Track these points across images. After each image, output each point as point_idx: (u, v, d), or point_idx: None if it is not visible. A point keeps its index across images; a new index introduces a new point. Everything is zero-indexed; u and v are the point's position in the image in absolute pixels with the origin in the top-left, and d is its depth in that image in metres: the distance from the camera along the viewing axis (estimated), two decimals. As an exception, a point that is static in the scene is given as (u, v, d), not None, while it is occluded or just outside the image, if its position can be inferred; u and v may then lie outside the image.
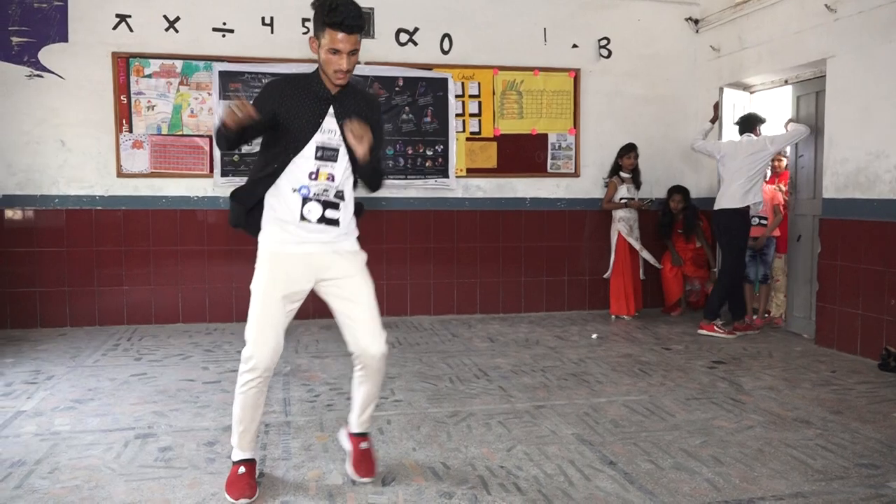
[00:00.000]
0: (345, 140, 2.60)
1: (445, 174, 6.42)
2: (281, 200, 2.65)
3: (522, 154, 6.59)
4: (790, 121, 5.77)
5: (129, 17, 5.80)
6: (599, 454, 3.12)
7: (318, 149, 2.62)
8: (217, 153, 5.96)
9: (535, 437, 3.32)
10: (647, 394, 4.06)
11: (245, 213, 2.73)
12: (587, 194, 6.74)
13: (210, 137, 5.96)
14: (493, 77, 6.46)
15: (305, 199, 2.62)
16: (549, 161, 6.66)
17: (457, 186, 6.47)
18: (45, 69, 5.67)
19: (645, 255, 6.41)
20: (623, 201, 6.36)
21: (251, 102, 2.50)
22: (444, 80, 6.36)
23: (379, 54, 6.24)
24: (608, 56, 6.75)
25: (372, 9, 6.22)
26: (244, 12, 6.00)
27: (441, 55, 6.40)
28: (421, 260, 6.44)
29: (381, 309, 6.88)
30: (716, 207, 5.79)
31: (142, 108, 5.85)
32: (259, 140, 2.72)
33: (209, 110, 5.96)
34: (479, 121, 6.44)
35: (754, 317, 6.05)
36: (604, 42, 6.73)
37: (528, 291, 6.68)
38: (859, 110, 4.95)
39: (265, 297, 2.62)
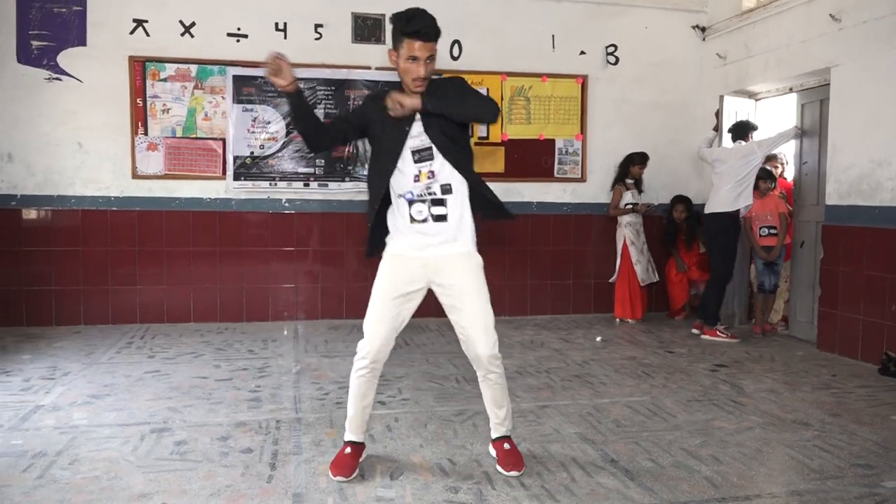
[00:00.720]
0: (433, 137, 2.76)
1: (454, 178, 6.51)
2: (393, 208, 2.87)
3: (530, 159, 6.68)
4: (796, 128, 5.87)
5: (146, 22, 5.93)
6: (601, 452, 3.21)
7: (413, 153, 2.78)
8: (230, 156, 6.08)
9: (538, 436, 3.41)
10: (650, 395, 4.14)
11: (372, 235, 2.93)
12: (594, 199, 6.82)
13: (223, 140, 6.09)
14: (502, 83, 6.56)
15: (412, 202, 2.79)
16: (556, 166, 6.75)
17: (465, 190, 6.56)
18: (63, 72, 5.81)
19: (639, 269, 6.45)
20: (629, 207, 6.44)
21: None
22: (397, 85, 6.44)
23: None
24: (615, 63, 6.84)
25: (383, 15, 6.33)
26: (258, 18, 6.13)
27: (451, 61, 6.50)
28: (429, 262, 6.53)
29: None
30: (706, 211, 5.90)
31: (157, 112, 5.98)
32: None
33: (223, 114, 6.08)
34: (487, 126, 6.53)
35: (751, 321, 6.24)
36: (611, 49, 6.82)
37: (533, 294, 6.77)
38: (863, 118, 5.02)
39: (380, 297, 2.85)
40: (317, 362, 4.86)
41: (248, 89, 6.08)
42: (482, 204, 2.90)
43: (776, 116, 6.59)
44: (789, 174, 6.48)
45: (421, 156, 2.78)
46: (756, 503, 2.72)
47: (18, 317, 5.83)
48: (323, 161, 6.27)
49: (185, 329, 5.93)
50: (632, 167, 6.49)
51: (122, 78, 5.91)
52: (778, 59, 5.91)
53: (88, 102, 5.87)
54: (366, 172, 6.27)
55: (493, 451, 3.07)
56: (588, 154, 6.80)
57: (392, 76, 6.30)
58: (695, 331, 5.89)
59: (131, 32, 5.92)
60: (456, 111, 2.76)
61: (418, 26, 2.66)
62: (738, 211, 5.73)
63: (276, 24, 6.17)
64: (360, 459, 2.96)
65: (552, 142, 6.71)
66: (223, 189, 6.15)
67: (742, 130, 5.86)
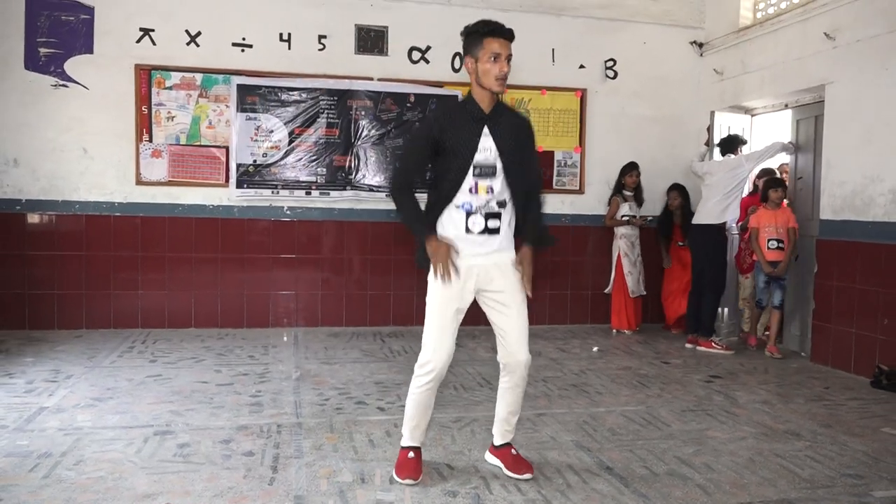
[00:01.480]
0: (500, 156, 2.85)
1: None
2: (449, 218, 2.89)
3: (529, 170, 6.75)
4: (789, 142, 5.97)
5: (153, 31, 6.02)
6: (597, 460, 3.27)
7: (474, 167, 2.82)
8: (233, 164, 6.16)
9: (535, 443, 3.47)
10: (645, 405, 4.21)
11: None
12: (591, 211, 6.90)
13: (226, 148, 6.16)
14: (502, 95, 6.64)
15: (469, 213, 2.84)
16: (555, 178, 6.84)
17: (464, 200, 6.64)
18: (70, 79, 5.89)
19: (630, 280, 6.51)
20: (625, 219, 6.52)
21: (411, 140, 2.85)
22: (455, 97, 6.53)
23: (392, 71, 6.45)
24: (614, 77, 6.95)
25: (386, 27, 6.44)
26: (263, 28, 6.22)
27: (452, 73, 6.60)
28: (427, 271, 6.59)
29: (388, 318, 7.05)
30: (694, 222, 6.03)
31: (162, 119, 6.06)
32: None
33: (226, 122, 6.16)
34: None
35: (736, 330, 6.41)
36: (610, 63, 6.93)
37: (531, 304, 6.79)
38: (856, 135, 5.12)
39: (442, 309, 2.86)
40: (317, 369, 4.92)
41: (251, 98, 6.17)
42: (527, 229, 2.99)
43: (772, 132, 6.69)
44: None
45: (482, 171, 2.83)
46: (747, 510, 2.78)
47: (21, 320, 5.89)
48: (324, 170, 6.35)
49: (185, 334, 5.98)
50: (622, 178, 6.58)
51: (128, 85, 6.00)
52: (774, 75, 6.01)
53: (94, 109, 5.95)
54: (366, 182, 6.40)
55: (493, 459, 3.14)
56: (586, 166, 6.89)
57: (403, 87, 6.41)
58: (688, 345, 5.95)
59: (138, 41, 6.01)
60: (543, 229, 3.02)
61: (496, 26, 2.79)
62: (724, 224, 5.85)
63: (281, 35, 6.26)
64: None
65: (551, 154, 6.80)
66: (226, 196, 6.22)
67: (731, 144, 5.98)
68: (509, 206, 2.92)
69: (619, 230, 6.55)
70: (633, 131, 6.99)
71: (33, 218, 5.92)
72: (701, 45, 7.03)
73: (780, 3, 6.13)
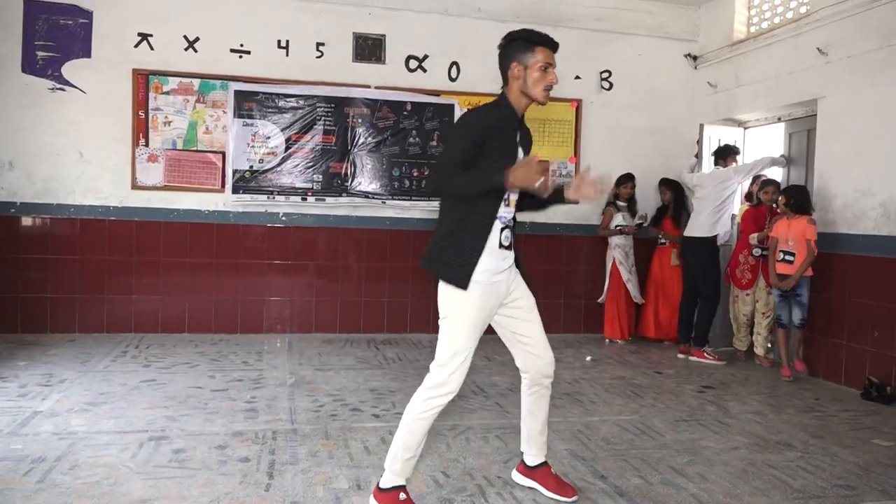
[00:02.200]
0: None
1: (449, 197, 6.62)
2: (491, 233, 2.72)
3: (524, 180, 6.78)
4: (781, 156, 6.04)
5: (151, 35, 6.03)
6: (591, 468, 3.29)
7: None
8: (230, 170, 6.16)
9: (530, 451, 3.48)
10: (638, 414, 4.23)
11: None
12: (585, 220, 6.94)
13: (223, 154, 6.17)
14: (498, 105, 6.68)
15: (504, 227, 2.74)
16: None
17: (459, 209, 6.66)
18: (67, 83, 5.89)
19: (630, 286, 6.57)
20: (618, 228, 6.56)
21: (458, 137, 2.64)
22: (451, 106, 6.59)
23: (389, 79, 6.48)
24: (609, 88, 7.01)
25: (384, 35, 6.47)
26: (261, 35, 6.25)
27: (449, 82, 6.64)
28: (422, 279, 6.61)
29: (381, 326, 7.06)
30: (686, 234, 6.11)
31: (158, 124, 6.07)
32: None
33: (223, 128, 6.17)
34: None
35: (761, 355, 5.87)
36: (605, 75, 6.98)
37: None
38: (848, 149, 5.18)
39: (474, 328, 2.68)
40: (311, 375, 4.92)
41: (248, 104, 6.18)
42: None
43: (765, 145, 6.76)
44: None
45: None
46: (740, 520, 2.81)
47: (13, 323, 5.86)
48: (321, 177, 6.36)
49: (179, 339, 5.97)
50: (616, 188, 6.62)
51: (126, 90, 6.00)
52: (767, 89, 6.08)
53: (91, 113, 5.95)
54: (362, 189, 6.41)
55: (527, 481, 2.99)
56: (581, 176, 6.92)
57: (400, 96, 6.44)
58: (681, 355, 5.98)
59: (136, 46, 6.02)
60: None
61: (546, 36, 2.72)
62: (716, 236, 5.91)
63: (279, 42, 6.28)
64: None
65: (546, 164, 6.85)
66: (222, 202, 6.23)
67: (723, 154, 6.04)
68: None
69: (613, 240, 6.59)
70: (628, 142, 7.05)
71: (28, 221, 5.91)
72: (695, 58, 7.10)
73: (774, 17, 6.21)
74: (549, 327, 7.20)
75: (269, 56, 6.26)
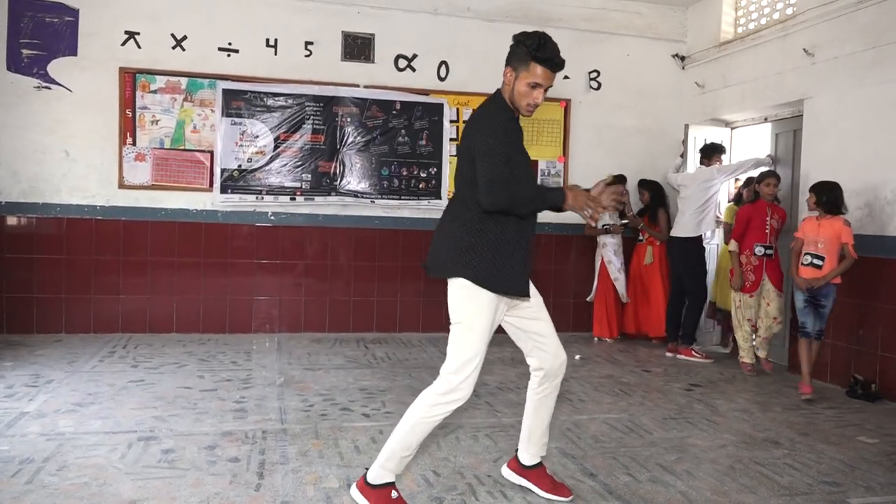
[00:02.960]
0: None
1: (438, 196, 6.64)
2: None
3: (513, 179, 6.79)
4: (768, 156, 6.09)
5: (138, 34, 6.00)
6: (581, 466, 3.31)
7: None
8: (218, 169, 6.14)
9: (520, 450, 3.50)
10: (627, 412, 4.26)
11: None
12: (574, 220, 6.94)
13: (211, 153, 6.14)
14: (487, 104, 6.69)
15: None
16: (539, 187, 6.88)
17: (449, 208, 6.67)
18: (53, 81, 5.84)
19: (618, 286, 6.61)
20: (605, 227, 6.59)
21: (497, 143, 2.57)
22: (440, 106, 6.60)
23: (378, 79, 6.48)
24: (598, 88, 7.04)
25: (373, 35, 6.47)
26: (249, 33, 6.22)
27: (438, 81, 6.64)
28: (411, 278, 6.62)
29: (371, 325, 7.04)
30: (671, 234, 6.16)
31: (146, 123, 6.03)
32: None
33: (211, 127, 6.14)
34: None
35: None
36: (594, 74, 7.01)
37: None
38: (833, 149, 5.23)
39: (485, 333, 2.67)
40: (300, 374, 4.91)
41: (237, 103, 6.16)
42: None
43: (751, 145, 6.81)
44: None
45: None
46: (728, 517, 2.84)
47: (-1, 324, 5.82)
48: (309, 175, 6.35)
49: (167, 339, 5.94)
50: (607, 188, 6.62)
51: (112, 88, 5.96)
52: (754, 89, 6.13)
53: (77, 112, 5.90)
54: (351, 188, 6.41)
55: (520, 479, 2.98)
56: (570, 176, 6.96)
57: (389, 95, 6.43)
58: (669, 354, 6.02)
59: (123, 44, 5.98)
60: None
61: (551, 54, 2.59)
62: (700, 236, 5.94)
63: (267, 41, 6.26)
64: None
65: (535, 163, 6.86)
66: (209, 201, 6.20)
67: (708, 152, 6.09)
68: None
69: (602, 239, 6.63)
70: (616, 142, 7.08)
71: (13, 220, 5.85)
72: (683, 59, 7.15)
73: (761, 18, 6.26)
74: (538, 326, 7.19)
75: (257, 55, 6.24)
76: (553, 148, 6.93)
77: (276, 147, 6.25)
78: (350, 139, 6.42)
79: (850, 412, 4.45)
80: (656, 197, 6.65)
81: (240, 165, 6.19)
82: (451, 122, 6.63)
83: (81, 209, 5.96)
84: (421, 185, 6.61)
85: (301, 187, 6.35)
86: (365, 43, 6.49)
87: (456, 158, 2.98)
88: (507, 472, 3.06)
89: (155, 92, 6.04)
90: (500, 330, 2.88)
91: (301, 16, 6.33)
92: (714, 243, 6.45)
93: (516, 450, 3.05)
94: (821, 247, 4.75)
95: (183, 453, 3.28)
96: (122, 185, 6.02)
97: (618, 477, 3.20)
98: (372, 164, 6.48)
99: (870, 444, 3.81)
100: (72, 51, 5.88)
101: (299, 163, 6.32)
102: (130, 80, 5.99)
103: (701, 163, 6.14)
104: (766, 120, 6.32)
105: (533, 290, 2.84)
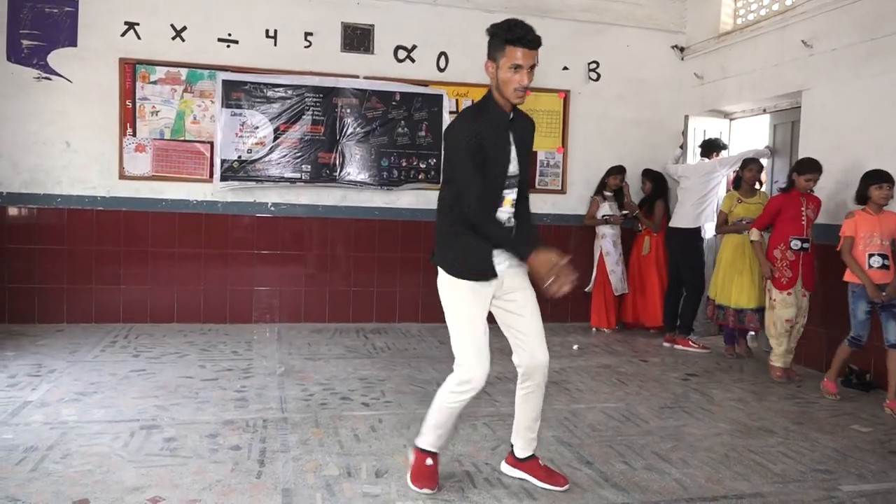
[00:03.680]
0: (519, 164, 2.76)
1: (437, 187, 6.65)
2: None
3: (512, 170, 6.82)
4: (766, 147, 6.11)
5: (138, 24, 6.00)
6: (577, 455, 3.36)
7: (508, 177, 2.73)
8: (218, 160, 6.15)
9: (517, 438, 3.54)
10: (624, 402, 4.30)
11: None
12: (573, 210, 7.00)
13: (211, 143, 6.16)
14: (486, 95, 6.71)
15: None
16: (537, 178, 6.92)
17: (448, 199, 6.70)
18: (53, 72, 5.85)
19: (613, 278, 6.62)
20: (605, 218, 6.62)
21: (460, 159, 2.61)
22: (440, 97, 6.61)
23: (378, 69, 6.49)
24: (597, 79, 7.04)
25: (372, 25, 6.47)
26: (249, 24, 6.23)
27: (437, 72, 6.65)
28: (410, 268, 6.65)
29: (370, 315, 7.07)
30: (670, 225, 6.20)
31: (146, 113, 6.05)
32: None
33: (211, 117, 6.16)
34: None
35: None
36: (593, 66, 7.02)
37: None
38: (831, 141, 5.25)
39: (476, 322, 2.73)
40: (300, 364, 4.95)
41: (237, 94, 6.17)
42: (527, 238, 2.85)
43: (750, 136, 6.83)
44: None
45: (510, 182, 2.75)
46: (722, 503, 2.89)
47: (0, 314, 5.84)
48: (309, 166, 6.37)
49: (168, 329, 5.98)
50: (607, 179, 6.67)
51: (112, 79, 5.97)
52: (752, 81, 6.14)
53: (78, 103, 5.92)
54: (350, 178, 6.43)
55: (516, 472, 3.02)
56: (569, 167, 6.98)
57: (389, 86, 6.45)
58: (666, 344, 6.07)
59: (122, 35, 5.98)
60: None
61: (521, 33, 2.57)
62: (699, 228, 5.98)
63: (267, 31, 6.27)
64: None
65: (534, 154, 6.88)
66: (210, 192, 6.22)
67: (708, 148, 6.11)
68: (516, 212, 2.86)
69: (601, 229, 6.66)
70: (615, 133, 7.10)
71: (14, 211, 5.88)
72: (682, 50, 7.15)
73: (760, 10, 6.26)
74: (536, 316, 7.22)
75: (257, 46, 6.24)
76: (552, 139, 6.95)
77: (275, 138, 6.27)
78: (350, 130, 6.43)
79: (845, 401, 4.50)
80: (657, 188, 6.68)
81: (240, 156, 6.21)
82: (451, 112, 6.64)
83: (82, 200, 5.99)
84: (420, 176, 6.63)
85: (301, 178, 6.37)
86: (364, 34, 6.50)
87: None
88: (505, 468, 3.10)
89: (155, 83, 6.05)
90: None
91: (301, 7, 6.33)
92: (708, 235, 6.45)
93: (511, 444, 3.08)
94: (885, 244, 4.32)
95: (185, 441, 3.32)
96: (122, 176, 6.04)
97: (614, 465, 3.24)
98: (371, 154, 6.50)
99: (863, 432, 3.86)
100: (72, 41, 5.89)
101: (299, 153, 6.34)
102: (130, 70, 6.00)
103: (702, 158, 6.18)
104: (764, 111, 6.34)
105: (520, 285, 2.84)
